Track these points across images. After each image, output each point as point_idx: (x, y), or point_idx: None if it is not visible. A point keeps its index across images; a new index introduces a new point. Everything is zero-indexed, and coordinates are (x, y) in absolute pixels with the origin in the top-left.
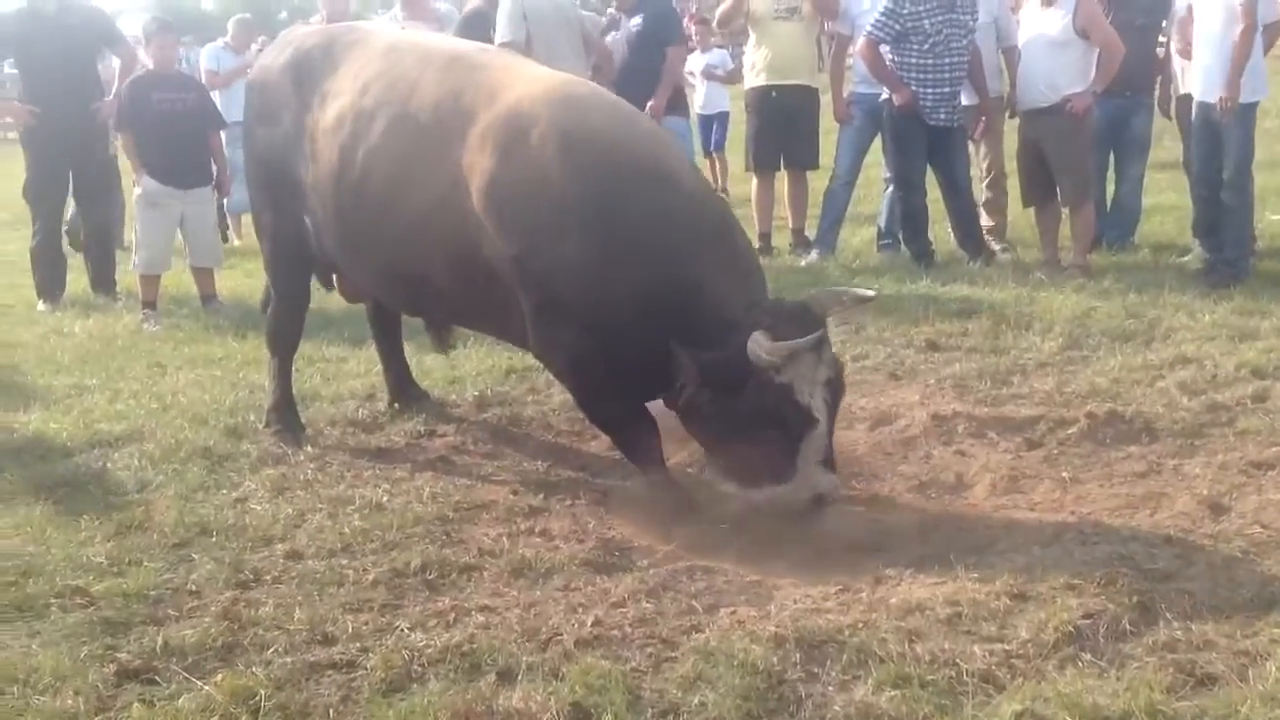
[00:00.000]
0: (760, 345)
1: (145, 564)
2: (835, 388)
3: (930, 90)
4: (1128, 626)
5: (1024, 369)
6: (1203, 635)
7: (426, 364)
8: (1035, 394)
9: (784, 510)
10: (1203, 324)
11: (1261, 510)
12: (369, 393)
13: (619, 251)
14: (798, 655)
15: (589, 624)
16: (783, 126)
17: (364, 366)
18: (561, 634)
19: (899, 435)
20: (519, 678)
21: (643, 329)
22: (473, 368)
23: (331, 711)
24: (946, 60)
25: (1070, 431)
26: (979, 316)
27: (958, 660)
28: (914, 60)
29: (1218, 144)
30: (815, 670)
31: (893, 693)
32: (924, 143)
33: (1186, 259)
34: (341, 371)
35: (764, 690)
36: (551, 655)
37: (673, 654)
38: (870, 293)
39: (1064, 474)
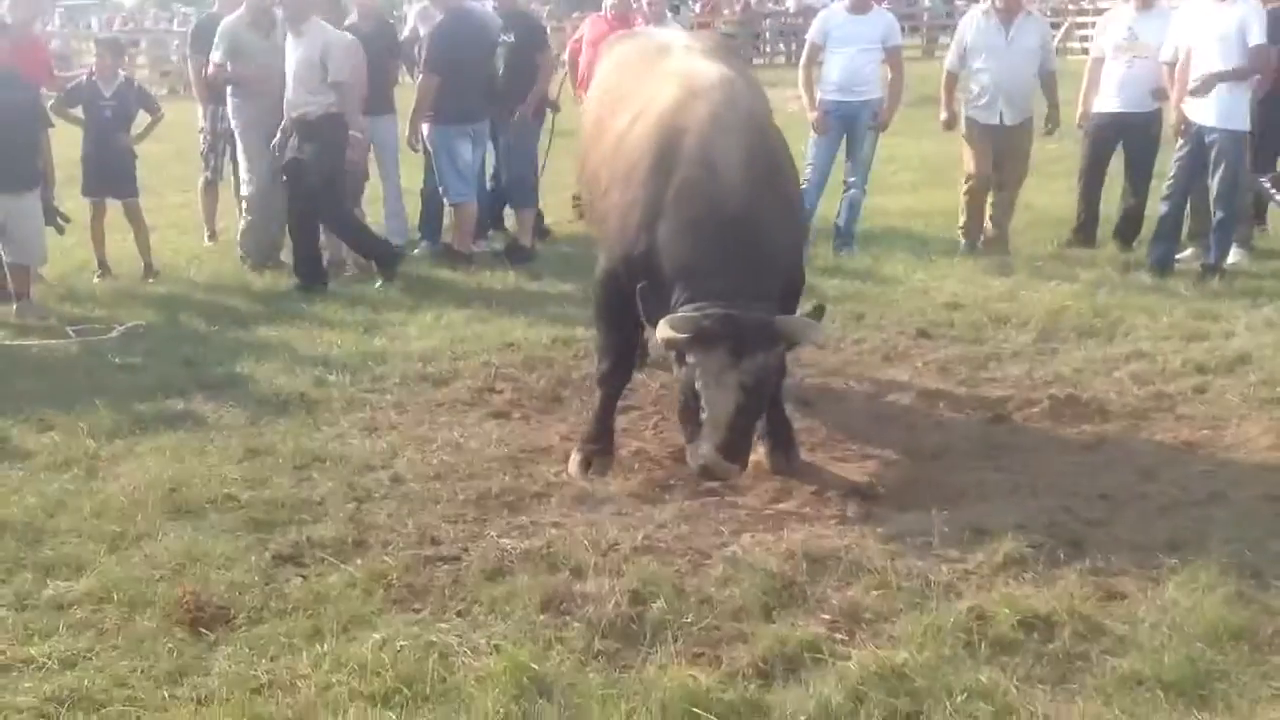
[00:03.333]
0: (662, 326)
1: (275, 480)
2: (751, 392)
3: None
4: (1062, 556)
5: (1000, 357)
6: (1120, 566)
7: (479, 330)
8: (1008, 378)
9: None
10: (1160, 324)
11: (1185, 479)
12: (432, 354)
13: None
14: (805, 565)
15: (640, 538)
16: None
17: (422, 330)
18: (619, 544)
19: (889, 408)
20: (588, 573)
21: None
22: (521, 335)
23: (446, 591)
24: None
25: (1034, 410)
26: (965, 310)
27: (927, 574)
28: None
29: (1203, 163)
30: (818, 577)
31: (876, 593)
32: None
33: (1183, 256)
34: (404, 334)
35: (778, 589)
36: (612, 559)
37: (707, 561)
38: (822, 337)
39: (1026, 444)
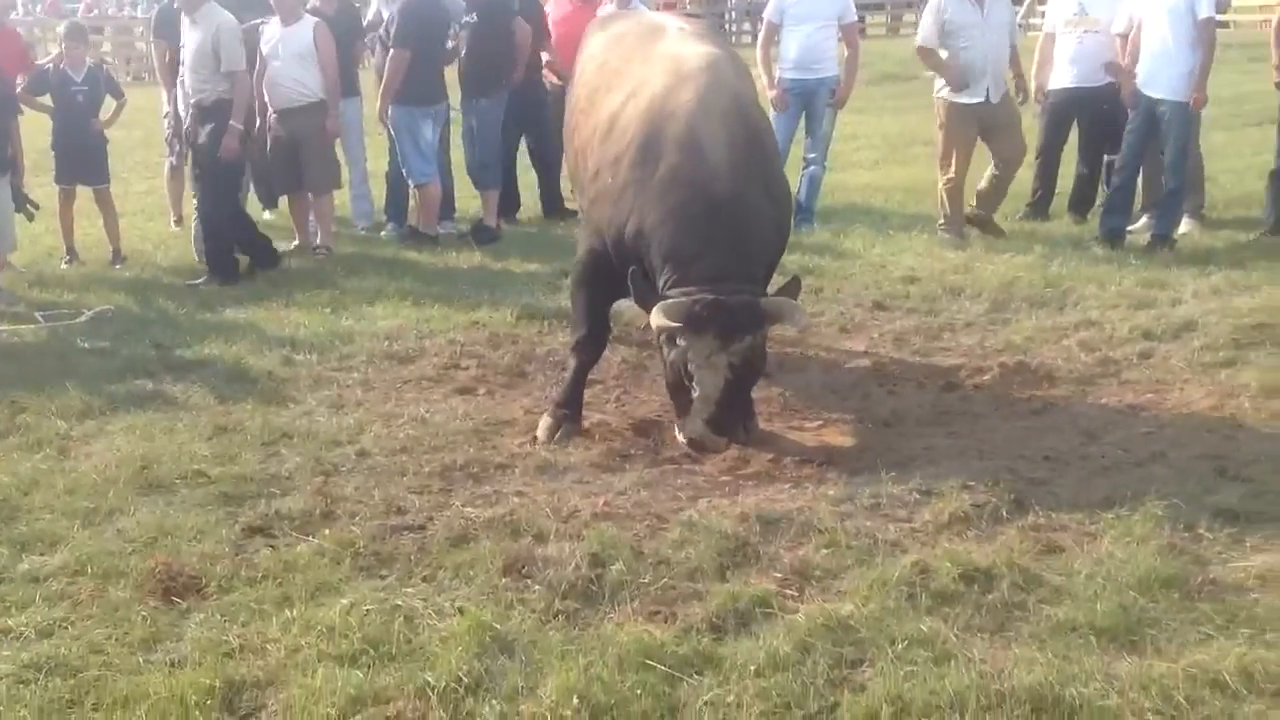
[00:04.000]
0: (654, 314)
1: (244, 456)
2: (740, 371)
3: None
4: (1004, 514)
5: (953, 327)
6: (1059, 522)
7: (445, 309)
8: (959, 348)
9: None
10: (1109, 293)
11: (1126, 440)
12: (398, 333)
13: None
14: (758, 527)
15: (600, 504)
16: None
17: (388, 310)
18: (580, 510)
19: (845, 378)
20: (550, 538)
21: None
22: (486, 313)
23: (412, 558)
24: None
25: (985, 378)
26: (920, 283)
27: (875, 533)
28: None
29: (1154, 134)
30: (770, 538)
31: (826, 551)
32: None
33: (1136, 227)
34: (370, 314)
35: (732, 549)
36: (573, 524)
37: (664, 525)
38: (806, 321)
39: (975, 410)
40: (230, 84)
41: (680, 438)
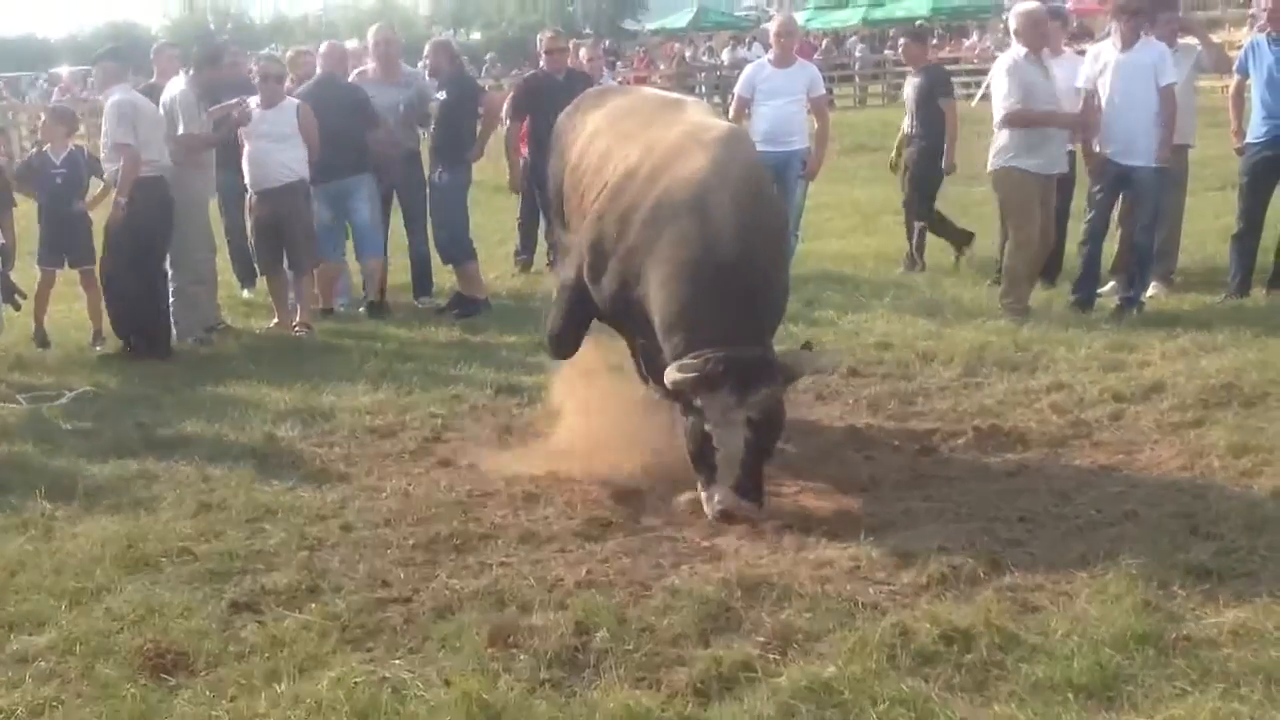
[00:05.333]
0: (670, 373)
1: (229, 533)
2: (760, 428)
3: None
4: (981, 574)
5: (927, 392)
6: (1036, 581)
7: (425, 383)
8: (934, 412)
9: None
10: (1079, 356)
11: (1099, 500)
12: (379, 407)
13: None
14: (740, 592)
15: (583, 573)
16: None
17: (369, 384)
18: (563, 579)
19: (822, 444)
20: (534, 608)
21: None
22: (465, 387)
23: (398, 630)
24: None
25: (959, 442)
26: (894, 348)
27: (855, 596)
28: None
29: (1131, 199)
30: (752, 602)
31: (807, 615)
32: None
33: (1104, 291)
34: (351, 389)
35: (715, 614)
36: (557, 593)
37: (647, 592)
38: (835, 359)
39: (950, 473)
40: (117, 159)
41: (709, 511)
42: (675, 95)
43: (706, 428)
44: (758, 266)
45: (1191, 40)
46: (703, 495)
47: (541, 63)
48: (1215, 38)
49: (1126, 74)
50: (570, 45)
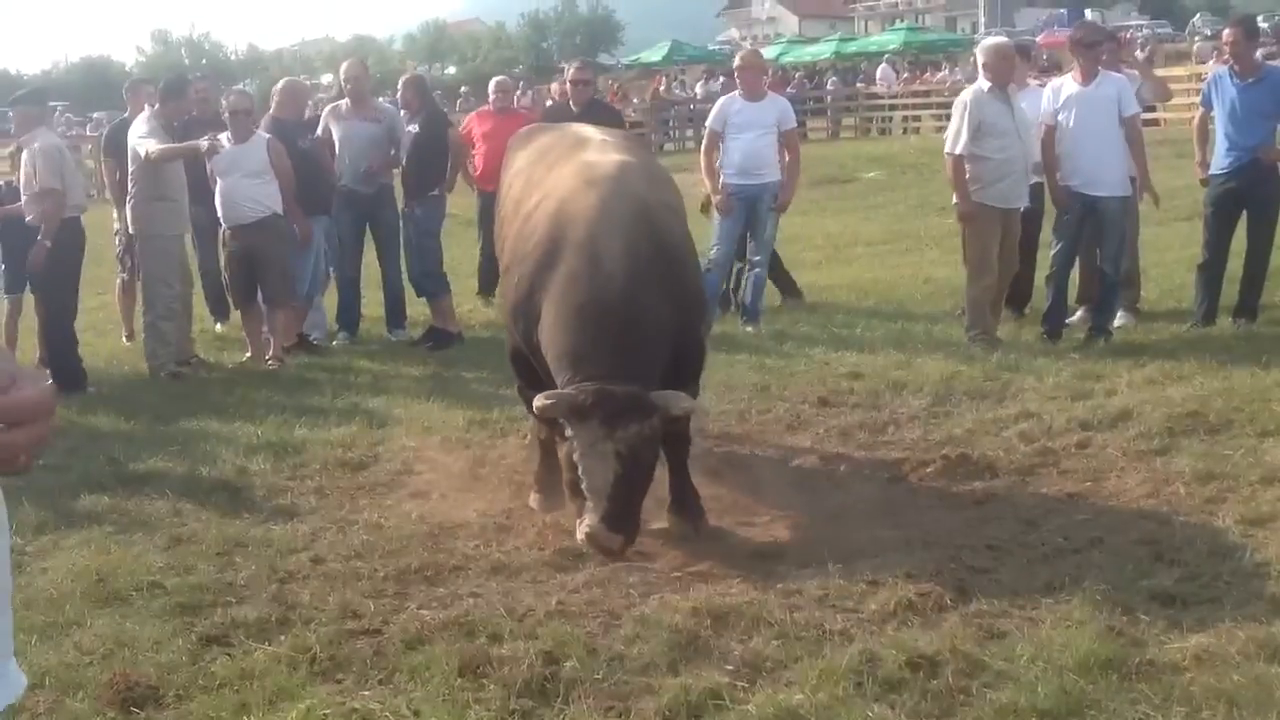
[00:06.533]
0: (538, 400)
1: (199, 567)
2: (627, 461)
3: None
4: (948, 601)
5: (897, 422)
6: (1002, 608)
7: (398, 415)
8: (903, 441)
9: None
10: (1047, 385)
11: (1066, 527)
12: (351, 440)
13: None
14: (709, 621)
15: (554, 603)
16: None
17: (341, 417)
18: (533, 609)
19: (792, 473)
20: (504, 638)
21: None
22: (439, 418)
23: (368, 661)
24: None
25: (928, 471)
26: (864, 379)
27: (823, 623)
28: None
29: (1096, 230)
30: (721, 631)
31: (776, 643)
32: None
33: (1073, 320)
34: (323, 422)
35: (684, 643)
36: (527, 623)
37: (617, 621)
38: (691, 405)
39: (919, 502)
40: (43, 202)
41: (579, 537)
42: (590, 132)
43: (575, 458)
44: (643, 303)
45: (1133, 72)
46: (576, 521)
47: (560, 93)
48: (1182, 70)
49: (1089, 107)
50: (594, 77)
